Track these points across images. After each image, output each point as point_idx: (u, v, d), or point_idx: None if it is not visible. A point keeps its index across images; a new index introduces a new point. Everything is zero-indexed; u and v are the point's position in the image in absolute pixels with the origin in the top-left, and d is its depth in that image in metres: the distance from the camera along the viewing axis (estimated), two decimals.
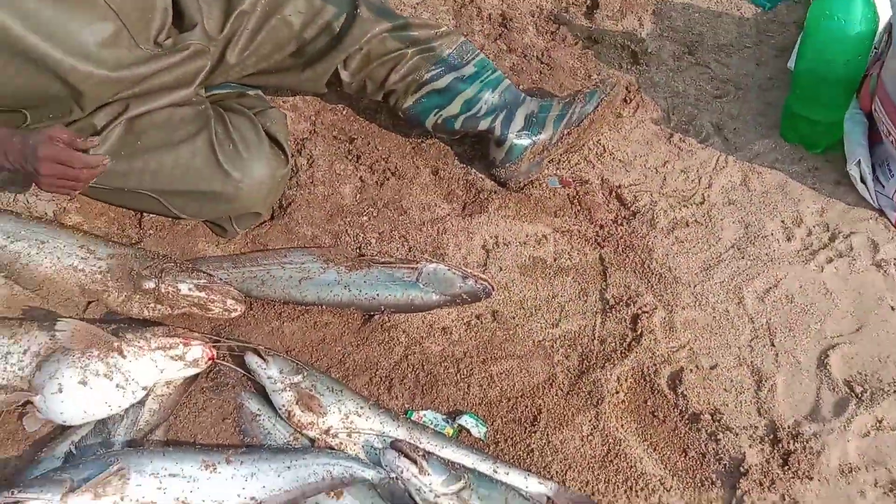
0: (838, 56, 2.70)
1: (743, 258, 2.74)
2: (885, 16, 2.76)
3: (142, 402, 2.40)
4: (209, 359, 2.44)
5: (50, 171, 2.35)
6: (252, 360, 2.44)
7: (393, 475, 2.24)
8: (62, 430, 2.38)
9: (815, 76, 2.80)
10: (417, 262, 2.64)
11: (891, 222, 2.78)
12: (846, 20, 2.61)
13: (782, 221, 2.84)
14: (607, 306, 2.63)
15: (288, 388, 2.38)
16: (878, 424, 2.39)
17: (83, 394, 2.29)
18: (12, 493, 2.09)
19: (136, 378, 2.34)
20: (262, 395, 2.45)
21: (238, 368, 2.48)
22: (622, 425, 2.41)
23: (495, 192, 2.91)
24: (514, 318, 2.62)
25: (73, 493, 2.12)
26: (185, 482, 2.22)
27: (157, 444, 2.35)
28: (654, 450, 2.37)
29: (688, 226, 2.82)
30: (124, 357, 2.33)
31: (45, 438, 2.38)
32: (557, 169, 2.96)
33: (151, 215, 2.81)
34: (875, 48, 2.79)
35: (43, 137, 2.32)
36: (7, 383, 2.36)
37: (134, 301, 2.55)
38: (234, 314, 2.58)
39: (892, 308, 2.62)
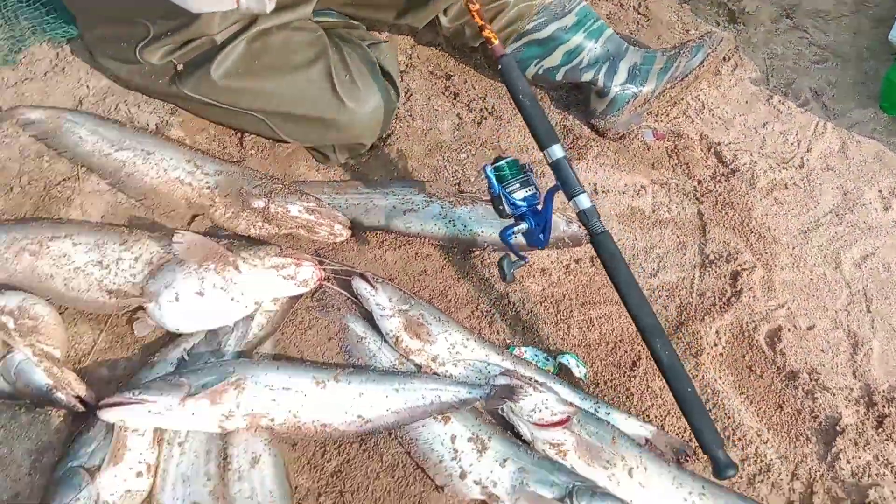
0: None
1: (841, 224, 2.77)
2: None
3: (251, 316, 2.43)
4: (318, 280, 2.46)
5: None
6: (361, 285, 2.47)
7: (501, 395, 2.28)
8: (172, 337, 2.41)
9: None
10: None
11: None
12: None
13: (880, 191, 2.86)
14: (706, 261, 2.66)
15: (396, 315, 2.42)
16: None
17: (199, 304, 2.32)
18: (133, 395, 2.14)
19: (249, 293, 2.37)
20: (367, 318, 2.49)
21: (344, 292, 2.51)
22: (720, 377, 2.45)
23: (593, 140, 2.92)
24: None
25: (191, 397, 2.17)
26: (296, 396, 2.27)
27: (268, 359, 2.39)
28: (751, 403, 2.42)
29: (787, 188, 2.84)
30: (239, 272, 2.36)
31: (156, 344, 2.42)
32: (656, 121, 2.97)
33: (252, 135, 2.82)
34: None
35: None
36: (118, 288, 2.38)
37: (241, 218, 2.57)
38: (339, 239, 2.60)
39: None
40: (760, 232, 2.72)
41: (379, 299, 2.43)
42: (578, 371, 2.44)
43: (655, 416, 2.38)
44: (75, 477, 2.12)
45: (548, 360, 2.46)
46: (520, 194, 2.36)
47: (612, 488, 2.20)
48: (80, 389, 2.24)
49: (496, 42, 2.39)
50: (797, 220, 2.77)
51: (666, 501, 2.21)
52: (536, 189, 2.37)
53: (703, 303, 2.58)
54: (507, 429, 2.32)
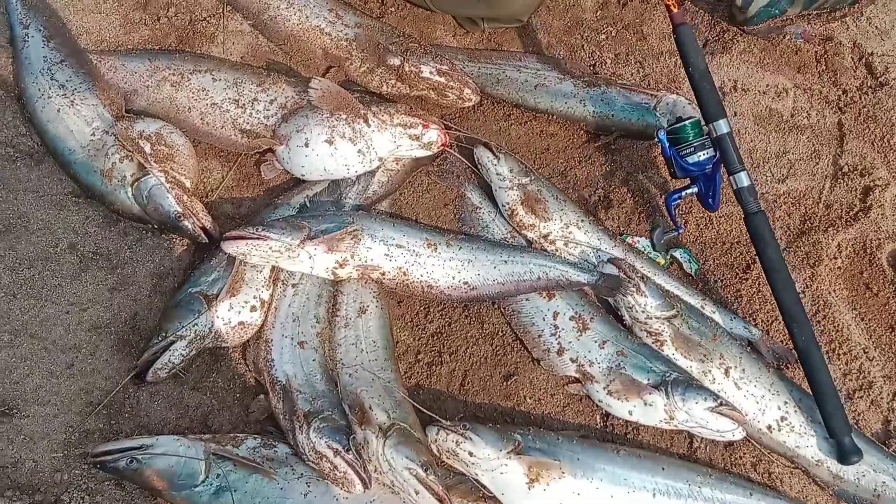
0: None
1: None
2: None
3: (373, 173, 2.48)
4: (442, 144, 2.48)
5: None
6: (483, 154, 2.48)
7: (607, 286, 2.30)
8: (297, 183, 2.49)
9: None
10: (657, 91, 2.59)
11: None
12: None
13: None
14: (839, 172, 2.57)
15: (515, 188, 2.43)
16: None
17: (327, 152, 2.37)
18: (257, 231, 2.23)
19: (376, 148, 2.41)
20: (485, 189, 2.51)
21: (465, 160, 2.53)
22: (834, 290, 2.40)
23: (740, 36, 2.80)
24: None
25: (310, 240, 2.25)
26: (408, 255, 2.32)
27: (385, 216, 2.45)
28: (863, 320, 2.37)
29: None
30: (369, 126, 2.39)
31: (279, 188, 2.50)
32: (808, 23, 2.83)
33: None
34: None
35: None
36: (251, 129, 2.46)
37: (375, 74, 2.59)
38: (467, 104, 2.60)
39: None
40: None
41: (500, 169, 2.44)
42: (689, 266, 2.42)
43: (762, 322, 2.36)
44: (194, 302, 2.24)
45: (660, 252, 2.44)
46: (692, 158, 2.33)
47: (707, 384, 2.21)
48: (207, 220, 2.35)
49: (676, 10, 2.31)
50: None
51: (759, 405, 2.21)
52: (715, 151, 2.31)
53: (828, 214, 2.51)
54: (610, 312, 2.34)
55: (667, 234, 2.41)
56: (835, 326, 2.35)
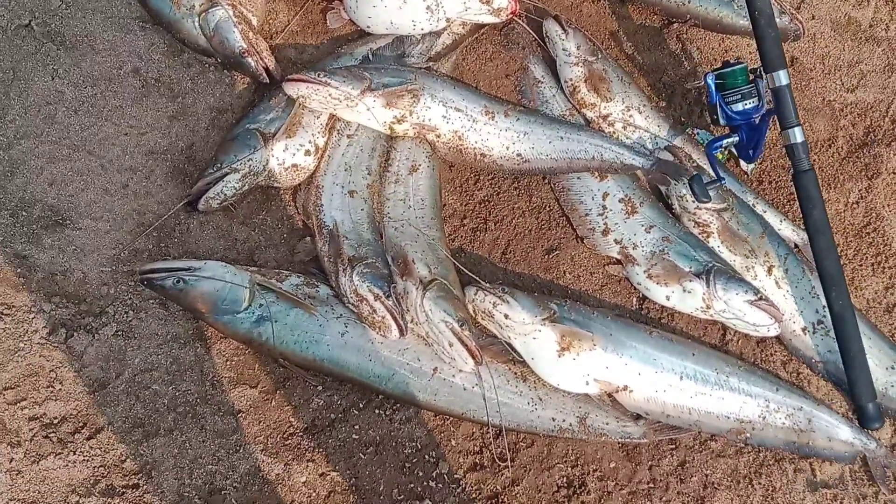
0: None
1: None
2: None
3: (438, 34, 2.45)
4: (511, 12, 2.44)
5: None
6: (552, 26, 2.44)
7: (661, 172, 2.30)
8: (361, 34, 2.47)
9: None
10: None
11: None
12: None
13: None
14: None
15: (581, 64, 2.40)
16: None
17: (396, 5, 2.34)
18: (319, 76, 2.22)
19: (444, 6, 2.37)
20: (549, 64, 2.48)
21: (532, 33, 2.49)
22: (889, 205, 2.38)
23: None
24: (811, 70, 2.53)
25: (371, 91, 2.24)
26: (466, 119, 2.32)
27: (447, 78, 2.42)
28: None
29: None
30: None
31: (344, 38, 2.49)
32: None
33: None
34: None
35: None
36: None
37: None
38: None
39: None
40: None
41: (567, 44, 2.41)
42: (745, 164, 2.40)
43: None
44: (251, 138, 2.25)
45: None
46: (738, 106, 2.22)
47: (749, 280, 2.21)
48: (270, 61, 2.35)
49: None
50: None
51: (798, 306, 2.22)
52: (760, 100, 2.20)
53: (893, 129, 2.46)
54: (660, 199, 2.33)
55: (710, 184, 2.23)
56: (884, 240, 2.33)
